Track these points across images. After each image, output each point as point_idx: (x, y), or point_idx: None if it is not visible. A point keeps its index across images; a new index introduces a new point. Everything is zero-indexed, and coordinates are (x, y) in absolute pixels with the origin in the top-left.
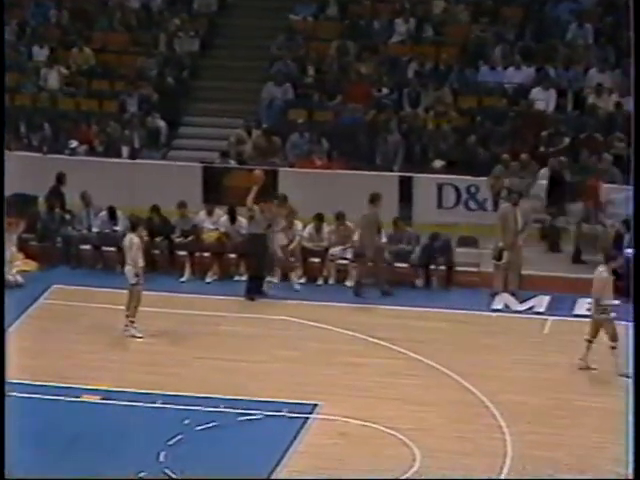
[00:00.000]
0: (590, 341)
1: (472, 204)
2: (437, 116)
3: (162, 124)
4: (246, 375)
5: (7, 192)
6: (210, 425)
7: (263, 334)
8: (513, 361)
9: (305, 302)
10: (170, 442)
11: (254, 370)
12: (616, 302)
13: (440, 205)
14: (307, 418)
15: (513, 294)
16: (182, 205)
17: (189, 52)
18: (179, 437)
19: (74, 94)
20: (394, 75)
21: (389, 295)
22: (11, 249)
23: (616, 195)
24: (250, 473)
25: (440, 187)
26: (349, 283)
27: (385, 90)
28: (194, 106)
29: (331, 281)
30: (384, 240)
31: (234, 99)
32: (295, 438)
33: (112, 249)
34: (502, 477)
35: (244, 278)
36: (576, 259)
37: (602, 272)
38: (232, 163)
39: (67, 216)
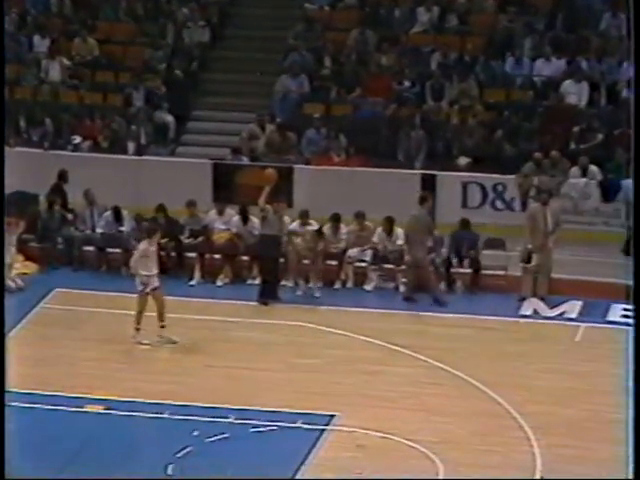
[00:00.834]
0: None
1: (499, 204)
2: (462, 110)
3: (170, 119)
4: (259, 384)
5: (6, 190)
6: (220, 437)
7: (277, 341)
8: (542, 370)
9: (321, 307)
10: (178, 455)
11: (267, 379)
12: None
13: (465, 205)
14: (323, 430)
15: (542, 299)
16: (191, 204)
17: (199, 43)
18: (188, 449)
19: (77, 87)
20: (416, 67)
21: (443, 304)
22: (10, 250)
23: None
24: None
25: (465, 186)
26: (368, 287)
27: (406, 83)
28: (204, 100)
29: (349, 285)
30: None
31: (246, 92)
32: (311, 451)
33: (117, 250)
34: None
35: (257, 282)
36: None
37: None
38: (244, 160)
39: (69, 216)
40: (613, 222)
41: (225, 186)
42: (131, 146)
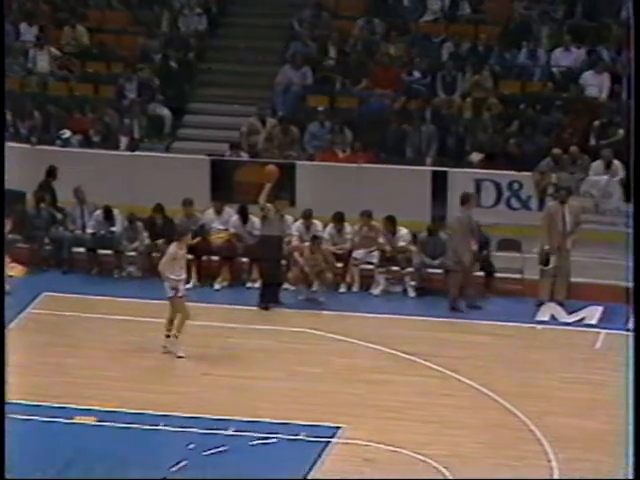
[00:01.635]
0: None
1: (514, 202)
2: (475, 103)
3: (165, 112)
4: (259, 394)
5: None
6: (218, 450)
7: (278, 348)
8: (561, 379)
9: (326, 312)
10: (173, 469)
11: (268, 388)
12: None
13: (478, 204)
14: (328, 442)
15: (561, 304)
16: (188, 203)
17: (195, 31)
18: (183, 463)
19: (67, 78)
20: (426, 57)
21: (478, 309)
22: None
23: None
24: None
25: (478, 183)
26: (375, 291)
27: (416, 74)
28: (201, 92)
29: (355, 288)
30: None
31: (246, 84)
32: (314, 465)
33: (109, 252)
34: None
35: (257, 285)
36: None
37: None
38: (244, 156)
39: (58, 215)
40: None
41: (223, 184)
42: (124, 141)
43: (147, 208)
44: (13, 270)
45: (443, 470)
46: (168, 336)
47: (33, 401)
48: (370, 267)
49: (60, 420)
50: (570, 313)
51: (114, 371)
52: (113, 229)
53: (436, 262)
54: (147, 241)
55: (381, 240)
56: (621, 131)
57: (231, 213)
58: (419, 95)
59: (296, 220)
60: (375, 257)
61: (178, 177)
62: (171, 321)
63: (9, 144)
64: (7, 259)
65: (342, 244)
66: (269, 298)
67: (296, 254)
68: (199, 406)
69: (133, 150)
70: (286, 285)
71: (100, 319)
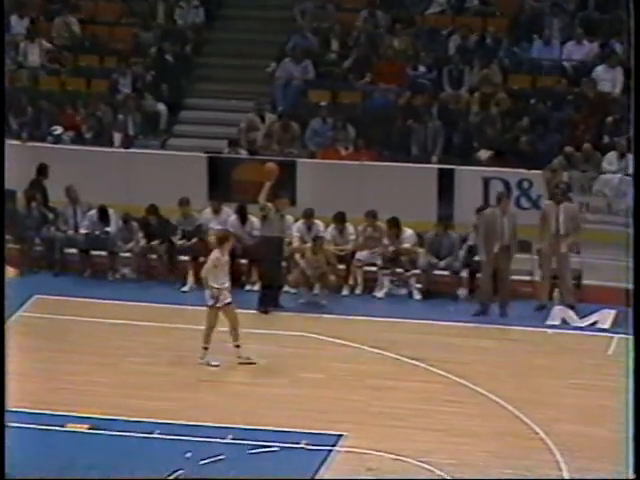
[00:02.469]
0: None
1: (524, 202)
2: (483, 98)
3: (161, 107)
4: (258, 401)
5: None
6: (216, 459)
7: (278, 353)
8: (572, 386)
9: (328, 315)
10: (169, 477)
11: (268, 395)
12: None
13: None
14: (330, 451)
15: (572, 307)
16: (184, 202)
17: (192, 24)
18: (179, 472)
19: (58, 72)
20: (432, 51)
21: (505, 316)
22: None
23: None
24: None
25: (486, 182)
26: (379, 293)
27: (422, 68)
28: (198, 87)
29: (358, 291)
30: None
31: (245, 78)
32: (315, 474)
33: (102, 253)
34: None
35: (256, 288)
36: None
37: None
38: (242, 153)
39: (50, 214)
40: None
41: (221, 182)
42: (118, 137)
43: (142, 207)
44: None
45: None
46: (238, 346)
47: (23, 408)
48: (374, 269)
49: (52, 428)
50: (582, 317)
51: (108, 377)
52: (107, 229)
53: (443, 263)
54: (142, 242)
55: (385, 241)
56: None
57: (229, 213)
58: (425, 90)
59: (297, 220)
60: (379, 258)
61: (174, 175)
62: (233, 330)
63: None
64: None
65: (344, 245)
66: (269, 301)
67: (297, 255)
68: (196, 413)
69: (127, 147)
70: (286, 288)
71: (93, 323)
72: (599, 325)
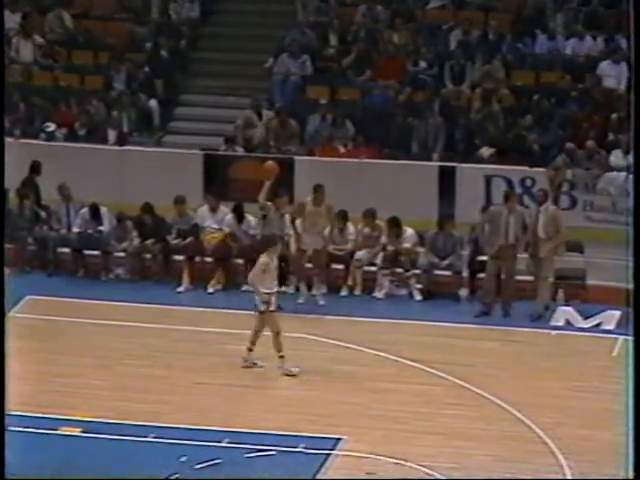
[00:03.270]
0: None
1: (527, 200)
2: (485, 95)
3: (155, 104)
4: (255, 404)
5: None
6: (212, 463)
7: (276, 355)
8: (576, 389)
9: (326, 317)
10: None
11: (265, 398)
12: None
13: (489, 201)
14: (328, 455)
15: (547, 308)
16: (180, 200)
17: (187, 18)
18: (174, 477)
19: (51, 68)
20: (433, 46)
21: (508, 316)
22: None
23: None
24: None
25: (488, 179)
26: (379, 294)
27: (423, 64)
28: (193, 82)
29: (357, 291)
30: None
31: (241, 74)
32: (314, 478)
33: (96, 253)
34: None
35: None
36: None
37: None
38: (239, 150)
39: (43, 213)
40: None
41: (218, 180)
42: (112, 134)
43: (136, 206)
44: None
45: None
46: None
47: (15, 411)
48: (373, 269)
49: (44, 431)
50: (586, 318)
51: (101, 379)
52: (101, 228)
53: (444, 263)
54: (137, 241)
55: (383, 240)
56: None
57: (226, 211)
58: (425, 86)
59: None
60: (379, 258)
61: (169, 173)
62: (258, 333)
63: None
64: None
65: (344, 245)
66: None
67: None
68: (192, 416)
69: (122, 144)
70: (284, 288)
71: (87, 324)
72: (604, 326)
